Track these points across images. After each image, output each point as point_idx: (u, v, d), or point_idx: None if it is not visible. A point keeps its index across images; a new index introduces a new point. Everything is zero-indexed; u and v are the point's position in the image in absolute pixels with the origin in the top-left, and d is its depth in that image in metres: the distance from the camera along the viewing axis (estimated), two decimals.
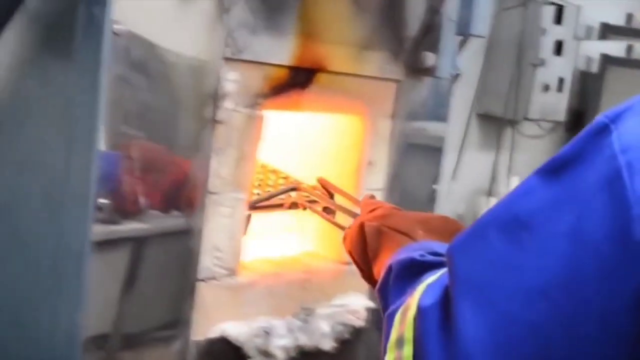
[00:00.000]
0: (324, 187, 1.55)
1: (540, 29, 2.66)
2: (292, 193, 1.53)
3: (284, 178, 1.58)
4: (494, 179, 2.81)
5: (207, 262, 1.32)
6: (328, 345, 1.50)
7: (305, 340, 1.46)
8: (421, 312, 0.72)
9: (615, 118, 0.59)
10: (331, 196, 1.55)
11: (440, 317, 0.67)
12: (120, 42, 1.13)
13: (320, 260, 1.39)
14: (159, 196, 1.21)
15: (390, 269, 0.91)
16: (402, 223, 1.11)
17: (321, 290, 1.53)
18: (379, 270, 0.99)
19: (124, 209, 1.17)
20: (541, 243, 0.58)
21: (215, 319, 1.36)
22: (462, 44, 1.83)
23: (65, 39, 1.15)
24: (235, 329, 1.37)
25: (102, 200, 1.14)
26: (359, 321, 1.55)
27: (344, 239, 1.25)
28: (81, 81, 1.14)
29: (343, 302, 1.55)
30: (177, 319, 1.27)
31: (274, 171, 1.64)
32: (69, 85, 1.15)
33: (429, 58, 1.64)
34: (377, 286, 0.98)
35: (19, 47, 1.20)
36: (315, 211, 1.54)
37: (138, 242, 1.18)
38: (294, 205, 1.53)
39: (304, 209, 1.55)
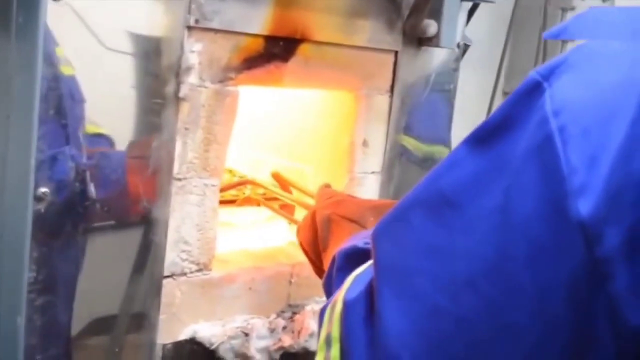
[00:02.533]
0: (278, 181, 1.42)
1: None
2: (246, 190, 1.41)
3: (240, 177, 1.45)
4: None
5: (174, 256, 1.19)
6: (316, 345, 1.35)
7: (289, 341, 1.31)
8: (346, 306, 0.63)
9: (549, 74, 0.48)
10: (287, 191, 1.42)
11: (365, 310, 0.59)
12: (61, 11, 0.99)
13: None
14: (114, 185, 1.08)
15: (334, 260, 0.81)
16: (354, 210, 1.00)
17: (310, 284, 1.39)
18: (328, 262, 0.89)
19: (71, 200, 1.04)
20: (468, 224, 0.49)
21: (185, 319, 1.22)
22: (472, 10, 1.65)
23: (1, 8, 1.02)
24: (209, 330, 1.23)
25: (42, 190, 1.01)
26: None
27: (297, 232, 1.12)
28: (20, 57, 1.01)
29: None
30: (141, 322, 1.14)
31: (230, 171, 1.51)
32: (6, 62, 1.03)
33: (431, 26, 1.47)
34: (323, 280, 0.87)
35: None
36: (270, 207, 1.41)
37: (85, 236, 1.05)
38: (247, 201, 1.41)
39: (258, 204, 1.42)
